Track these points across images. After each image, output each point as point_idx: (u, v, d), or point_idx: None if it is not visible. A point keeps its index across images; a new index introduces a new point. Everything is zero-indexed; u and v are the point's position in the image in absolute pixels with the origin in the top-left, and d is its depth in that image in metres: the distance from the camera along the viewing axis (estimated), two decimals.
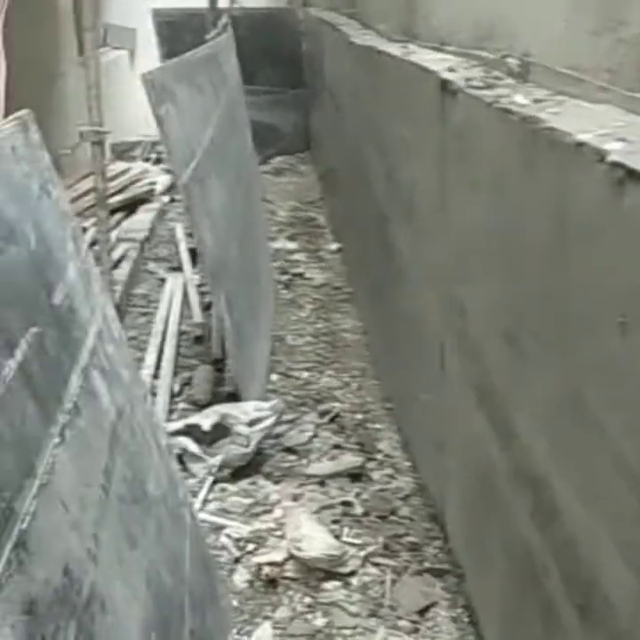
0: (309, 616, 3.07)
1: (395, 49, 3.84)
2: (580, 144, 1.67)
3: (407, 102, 3.39)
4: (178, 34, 9.02)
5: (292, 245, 7.38)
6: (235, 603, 3.12)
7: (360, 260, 5.69)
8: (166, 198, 8.38)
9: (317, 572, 3.22)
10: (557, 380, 1.95)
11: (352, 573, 3.26)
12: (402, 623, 3.02)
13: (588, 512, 1.82)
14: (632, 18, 1.93)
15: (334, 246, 7.28)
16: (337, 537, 3.41)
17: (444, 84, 2.69)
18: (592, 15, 2.12)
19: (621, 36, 1.97)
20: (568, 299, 1.83)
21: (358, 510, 3.66)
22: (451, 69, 2.79)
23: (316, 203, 8.63)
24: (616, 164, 1.51)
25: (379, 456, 4.14)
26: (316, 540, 3.25)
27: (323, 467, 3.98)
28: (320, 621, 3.04)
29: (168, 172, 7.74)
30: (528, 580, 2.26)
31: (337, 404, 4.63)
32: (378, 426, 4.43)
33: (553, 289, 1.92)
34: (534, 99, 2.13)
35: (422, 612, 3.07)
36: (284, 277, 6.60)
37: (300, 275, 6.71)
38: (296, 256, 7.12)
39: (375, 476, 3.96)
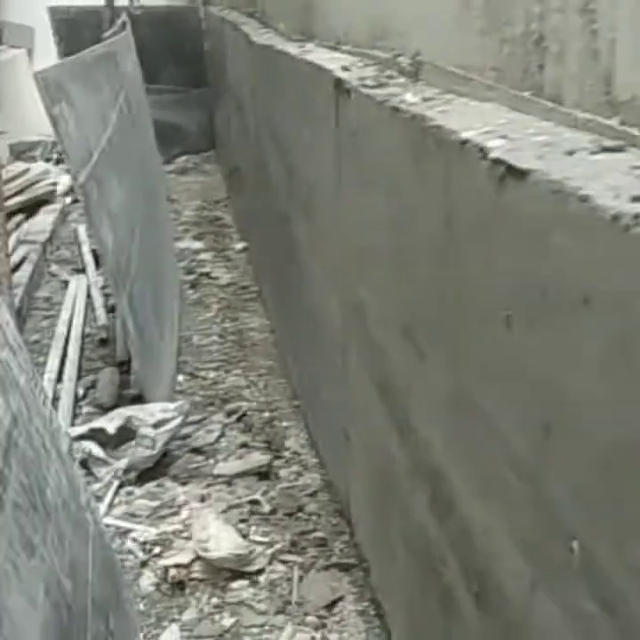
0: (217, 616, 3.06)
1: (292, 48, 3.85)
2: (464, 142, 1.70)
3: (304, 101, 3.40)
4: (76, 32, 8.87)
5: (198, 245, 7.34)
6: (141, 607, 3.09)
7: (266, 259, 5.69)
8: (68, 199, 8.24)
9: (225, 572, 3.22)
10: (450, 375, 1.99)
11: (259, 572, 3.27)
12: (309, 619, 3.04)
13: (481, 503, 1.86)
14: (516, 18, 1.97)
15: (240, 245, 7.27)
16: (244, 536, 3.41)
17: (338, 83, 2.71)
18: (479, 15, 2.16)
19: (506, 36, 2.02)
20: (457, 295, 1.87)
21: (266, 508, 3.66)
22: (345, 68, 2.81)
23: (221, 202, 8.60)
24: (497, 161, 1.55)
25: (286, 454, 4.15)
26: (222, 540, 3.25)
27: (230, 466, 3.97)
28: (228, 621, 3.03)
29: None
30: (428, 571, 2.30)
31: (244, 403, 4.63)
32: (285, 424, 4.45)
33: (444, 285, 1.95)
34: (423, 97, 2.16)
35: (329, 606, 3.10)
36: (191, 277, 6.57)
37: (207, 274, 6.68)
38: (202, 255, 7.09)
39: (283, 473, 3.98)
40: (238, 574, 3.22)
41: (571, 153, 1.50)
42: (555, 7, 1.78)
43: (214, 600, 3.13)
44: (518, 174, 1.47)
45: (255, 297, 6.19)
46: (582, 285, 1.31)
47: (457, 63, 2.27)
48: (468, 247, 1.78)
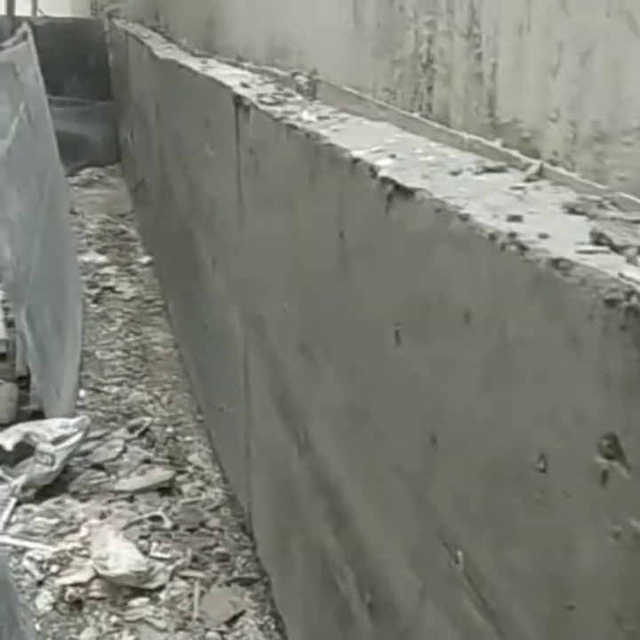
0: (116, 635, 3.03)
1: (194, 63, 3.86)
2: (356, 160, 1.73)
3: (205, 116, 3.41)
4: None
5: (102, 259, 7.26)
6: (38, 627, 3.03)
7: (170, 274, 5.67)
8: None
9: (124, 590, 3.18)
10: (345, 390, 2.02)
11: (160, 588, 3.24)
12: (209, 635, 3.02)
13: (373, 516, 1.89)
14: (406, 40, 2.02)
15: (145, 259, 7.21)
16: (145, 552, 3.38)
17: (238, 100, 2.73)
18: (372, 36, 2.21)
19: (397, 58, 2.06)
20: (350, 311, 1.90)
21: (167, 524, 3.64)
22: (244, 85, 2.83)
23: (127, 215, 8.52)
24: (385, 180, 1.58)
25: (189, 469, 4.13)
26: (122, 557, 3.21)
27: (132, 482, 3.93)
28: (127, 639, 3.00)
29: None
30: (326, 583, 2.32)
31: (147, 418, 4.59)
32: (189, 438, 4.43)
33: (338, 302, 1.98)
34: (319, 116, 2.20)
35: (230, 622, 3.09)
36: (94, 291, 6.49)
37: (111, 288, 6.61)
38: (106, 269, 7.01)
39: (185, 488, 3.95)
40: (138, 592, 3.19)
41: (455, 173, 1.54)
42: (442, 30, 1.83)
43: (113, 618, 3.10)
44: (405, 193, 1.51)
45: (160, 311, 6.15)
46: (463, 302, 1.35)
47: (351, 83, 2.31)
48: (359, 264, 1.81)
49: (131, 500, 3.82)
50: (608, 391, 1.01)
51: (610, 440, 1.02)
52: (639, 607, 1.00)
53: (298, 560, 2.66)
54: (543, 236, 1.17)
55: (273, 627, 3.03)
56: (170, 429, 4.50)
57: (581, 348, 1.06)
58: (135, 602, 3.16)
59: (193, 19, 4.71)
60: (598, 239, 1.16)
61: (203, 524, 3.67)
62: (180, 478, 4.02)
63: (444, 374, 1.45)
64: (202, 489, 3.96)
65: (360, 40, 2.26)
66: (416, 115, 1.94)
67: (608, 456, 1.03)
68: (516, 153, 1.55)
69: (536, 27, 1.48)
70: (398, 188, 1.54)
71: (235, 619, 3.10)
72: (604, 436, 1.03)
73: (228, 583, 3.29)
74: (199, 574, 3.33)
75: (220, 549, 3.49)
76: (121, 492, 3.87)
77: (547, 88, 1.46)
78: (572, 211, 1.31)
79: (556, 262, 1.10)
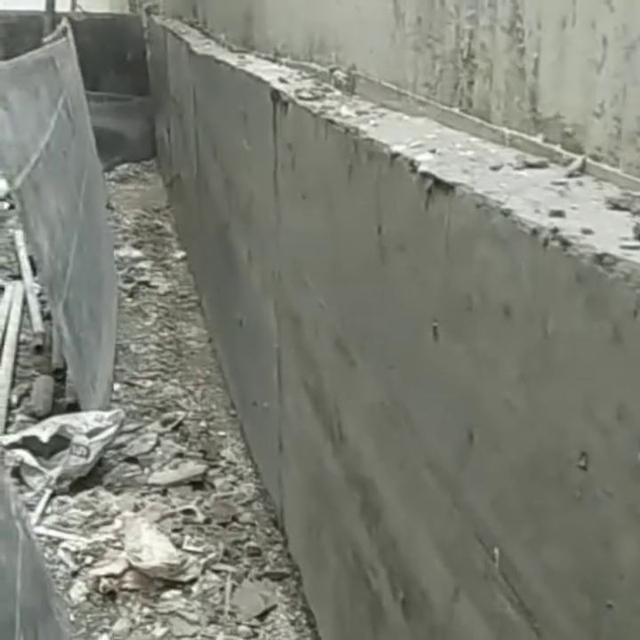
0: (148, 626, 3.05)
1: (232, 58, 3.86)
2: (395, 155, 1.73)
3: (243, 111, 3.42)
4: (16, 37, 8.78)
5: (137, 253, 7.30)
6: (72, 617, 3.06)
7: (205, 269, 5.69)
8: (6, 205, 8.13)
9: (157, 582, 3.20)
10: (380, 386, 2.01)
11: (192, 581, 3.26)
12: (241, 628, 3.04)
13: (407, 512, 1.89)
14: (447, 35, 2.01)
15: (180, 254, 7.24)
16: (178, 545, 3.40)
17: (276, 95, 2.73)
18: (412, 32, 2.20)
19: (437, 53, 2.06)
20: (388, 306, 1.90)
21: (200, 518, 3.65)
22: (282, 80, 2.83)
23: (162, 211, 8.57)
24: (425, 174, 1.58)
25: (222, 463, 4.15)
26: (155, 550, 3.23)
27: (165, 475, 3.96)
28: (159, 631, 3.02)
29: None
30: (358, 579, 2.32)
31: (181, 413, 4.62)
32: (222, 433, 4.45)
33: (375, 297, 1.98)
34: (358, 111, 2.19)
35: (262, 616, 3.10)
36: (129, 286, 6.53)
37: (146, 283, 6.65)
38: (141, 264, 7.05)
39: (218, 483, 3.97)
40: (171, 584, 3.21)
41: (496, 168, 1.53)
42: (484, 25, 1.82)
43: (146, 610, 3.12)
44: (445, 188, 1.50)
45: (194, 306, 6.18)
46: (503, 297, 1.34)
47: (391, 78, 2.30)
48: (397, 259, 1.81)
49: (164, 493, 3.84)
50: None
51: None
52: None
53: (330, 555, 2.66)
54: (586, 232, 1.16)
55: (304, 622, 3.03)
56: (203, 424, 4.52)
57: (624, 344, 1.05)
58: (168, 594, 3.18)
59: (231, 14, 4.72)
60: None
61: (235, 519, 3.68)
62: (212, 472, 4.04)
63: (482, 370, 1.44)
64: (234, 483, 3.98)
65: (400, 35, 2.25)
66: (456, 110, 1.93)
67: None
68: (558, 148, 1.54)
69: (580, 21, 1.47)
70: (438, 183, 1.53)
71: (266, 613, 3.11)
72: None
73: (260, 577, 3.30)
74: (231, 568, 3.35)
75: (252, 544, 3.51)
76: (154, 485, 3.89)
77: (590, 83, 1.44)
78: (615, 206, 1.30)
79: (599, 258, 1.09)
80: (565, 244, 1.16)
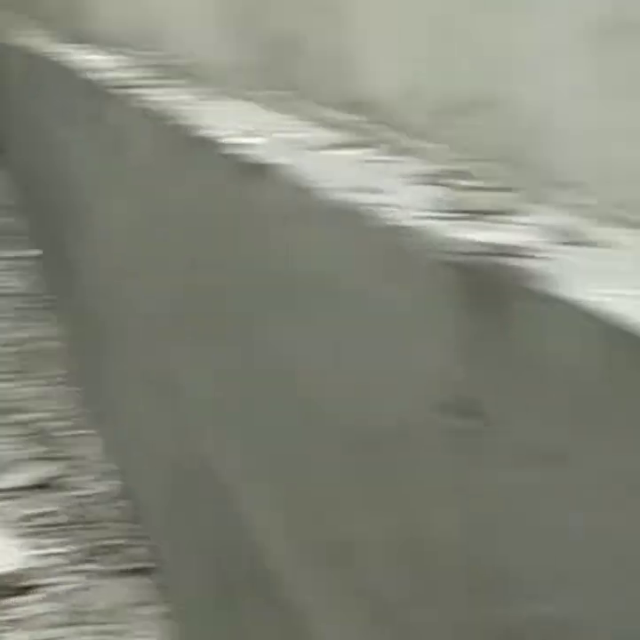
0: None
1: (59, 49, 3.78)
2: (215, 140, 1.72)
3: (69, 103, 3.35)
4: None
5: None
6: None
7: (60, 267, 5.55)
8: None
9: (6, 589, 3.12)
10: (222, 362, 2.01)
11: (51, 584, 3.18)
12: (97, 628, 2.98)
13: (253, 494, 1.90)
14: (273, 21, 2.02)
15: (34, 253, 7.04)
16: (33, 548, 3.31)
17: (100, 83, 2.69)
18: (239, 17, 2.20)
19: (264, 39, 2.06)
20: (204, 295, 1.90)
21: (58, 519, 3.57)
22: (110, 69, 2.79)
23: (13, 207, 8.29)
24: (243, 158, 1.58)
25: (81, 462, 4.06)
26: (5, 555, 3.14)
27: (17, 478, 3.85)
28: (11, 637, 2.93)
29: None
30: (217, 571, 2.32)
31: (37, 414, 4.50)
32: (80, 432, 4.35)
33: (190, 289, 1.98)
34: (183, 97, 2.18)
35: (121, 613, 3.06)
36: None
37: None
38: None
39: (77, 482, 3.89)
40: (23, 589, 3.13)
41: (312, 149, 1.55)
42: (306, 7, 1.84)
43: None
44: (259, 170, 1.51)
45: (50, 306, 6.03)
46: (322, 273, 1.35)
47: (217, 64, 2.30)
48: (219, 244, 1.80)
49: (17, 496, 3.74)
50: (456, 353, 1.02)
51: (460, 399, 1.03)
52: None
53: (192, 549, 2.65)
54: (388, 205, 1.19)
55: (165, 617, 3.00)
56: (59, 423, 4.42)
57: (422, 309, 1.08)
58: (20, 599, 3.09)
59: (59, 4, 4.61)
60: (443, 206, 1.18)
61: (92, 518, 3.62)
62: (71, 472, 3.95)
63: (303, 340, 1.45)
64: (94, 482, 3.90)
65: (228, 21, 2.25)
66: (281, 93, 1.94)
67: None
68: (378, 128, 1.57)
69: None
70: (254, 167, 1.54)
71: (123, 610, 3.07)
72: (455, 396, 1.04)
73: (120, 574, 3.25)
74: (91, 567, 3.29)
75: (113, 541, 3.45)
76: (6, 489, 3.78)
77: (408, 62, 1.47)
78: (424, 182, 1.33)
79: (398, 228, 1.11)
80: (368, 218, 1.18)
